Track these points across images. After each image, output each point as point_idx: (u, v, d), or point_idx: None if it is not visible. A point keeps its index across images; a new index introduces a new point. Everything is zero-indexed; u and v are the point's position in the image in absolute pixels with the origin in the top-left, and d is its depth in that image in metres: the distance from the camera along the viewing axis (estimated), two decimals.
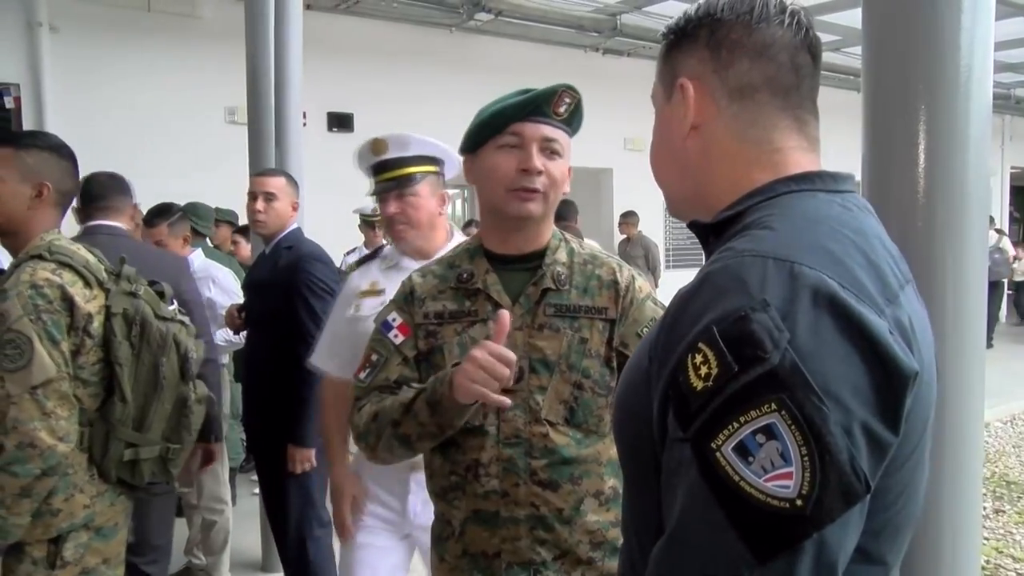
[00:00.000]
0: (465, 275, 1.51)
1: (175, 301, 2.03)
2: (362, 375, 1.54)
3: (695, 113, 0.86)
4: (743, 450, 0.64)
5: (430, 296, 1.52)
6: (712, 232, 0.86)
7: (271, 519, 3.09)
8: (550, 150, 1.44)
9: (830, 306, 0.66)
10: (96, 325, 1.73)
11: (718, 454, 0.65)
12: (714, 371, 0.66)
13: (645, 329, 1.48)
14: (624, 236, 8.58)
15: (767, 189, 0.82)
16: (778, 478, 0.63)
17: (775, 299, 0.66)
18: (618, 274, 1.51)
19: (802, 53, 0.85)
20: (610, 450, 1.47)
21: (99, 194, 2.71)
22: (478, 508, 1.43)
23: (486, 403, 1.29)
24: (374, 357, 1.54)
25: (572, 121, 1.47)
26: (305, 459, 2.88)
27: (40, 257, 1.72)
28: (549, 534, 1.41)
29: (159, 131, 6.21)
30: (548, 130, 1.43)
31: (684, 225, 0.97)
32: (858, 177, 1.30)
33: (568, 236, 1.57)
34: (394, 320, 1.54)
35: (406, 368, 1.51)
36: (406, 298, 1.55)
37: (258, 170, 3.49)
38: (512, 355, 1.28)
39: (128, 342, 1.76)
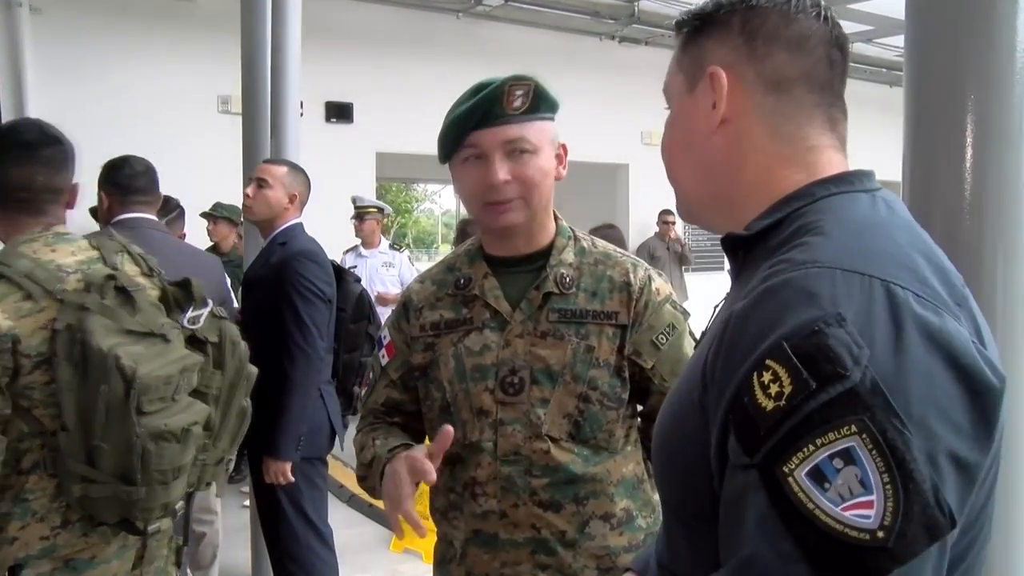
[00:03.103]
0: (463, 280, 1.48)
1: (209, 302, 1.87)
2: (362, 392, 1.56)
3: (727, 105, 0.85)
4: (818, 475, 0.62)
5: (428, 305, 1.50)
6: (744, 244, 0.84)
7: (265, 533, 3.07)
8: (518, 150, 1.37)
9: (909, 318, 0.65)
10: (36, 343, 1.61)
11: (790, 479, 0.63)
12: (787, 389, 0.65)
13: (661, 336, 1.44)
14: (661, 234, 8.33)
15: (804, 194, 0.82)
16: (858, 507, 0.61)
17: (850, 313, 0.65)
18: (632, 275, 1.45)
19: (835, 49, 0.85)
20: (622, 468, 1.44)
21: (144, 187, 2.71)
22: (477, 529, 1.41)
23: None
24: (371, 375, 1.57)
25: (539, 106, 1.39)
26: (280, 472, 2.81)
27: None
28: (551, 558, 1.39)
29: (147, 120, 6.21)
30: (508, 131, 1.36)
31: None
32: (896, 175, 1.28)
33: (579, 234, 1.53)
34: (385, 337, 1.55)
35: (394, 391, 1.52)
36: (400, 312, 1.54)
37: (254, 162, 3.49)
38: (430, 471, 1.23)
39: (70, 363, 1.62)
